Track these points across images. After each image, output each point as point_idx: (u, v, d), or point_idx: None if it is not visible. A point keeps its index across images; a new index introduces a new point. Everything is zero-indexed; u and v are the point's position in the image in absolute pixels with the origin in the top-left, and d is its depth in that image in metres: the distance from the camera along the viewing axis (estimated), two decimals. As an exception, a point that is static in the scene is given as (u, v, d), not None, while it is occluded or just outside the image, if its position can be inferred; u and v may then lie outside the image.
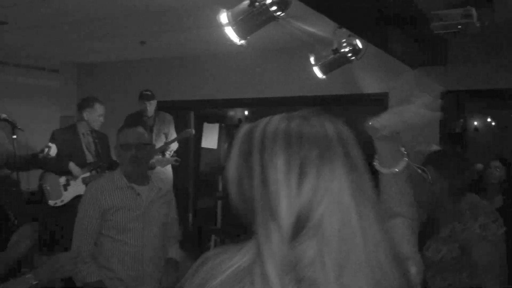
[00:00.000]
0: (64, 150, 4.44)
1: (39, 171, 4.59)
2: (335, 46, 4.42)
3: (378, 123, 1.29)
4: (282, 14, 2.94)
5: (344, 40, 4.41)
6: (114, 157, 4.05)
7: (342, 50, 4.42)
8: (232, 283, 0.83)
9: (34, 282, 1.95)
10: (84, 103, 4.72)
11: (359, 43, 4.41)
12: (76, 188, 4.41)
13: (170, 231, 2.96)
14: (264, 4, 2.89)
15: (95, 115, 4.68)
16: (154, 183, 2.86)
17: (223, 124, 8.83)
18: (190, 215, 6.99)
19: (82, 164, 4.54)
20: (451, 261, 2.22)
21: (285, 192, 0.85)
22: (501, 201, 4.49)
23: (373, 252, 0.85)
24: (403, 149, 1.34)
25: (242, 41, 3.02)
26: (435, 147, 2.58)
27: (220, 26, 2.97)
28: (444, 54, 5.00)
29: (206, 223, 6.72)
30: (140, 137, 2.78)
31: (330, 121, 0.93)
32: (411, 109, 1.31)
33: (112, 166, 4.41)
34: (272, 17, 2.96)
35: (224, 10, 2.98)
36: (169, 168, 5.40)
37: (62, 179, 4.49)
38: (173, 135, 5.49)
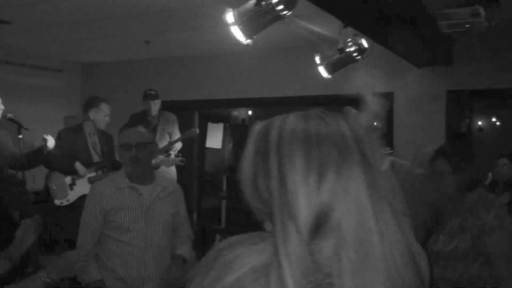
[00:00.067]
0: (70, 150, 4.44)
1: (45, 171, 4.60)
2: (340, 45, 4.40)
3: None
4: (288, 13, 2.92)
5: (349, 39, 4.39)
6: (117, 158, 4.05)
7: (348, 49, 4.40)
8: (249, 282, 0.82)
9: (48, 280, 1.98)
10: (90, 103, 4.72)
11: (364, 43, 4.39)
12: (82, 187, 4.41)
13: (181, 230, 2.92)
14: (271, 3, 2.88)
15: (101, 115, 4.69)
16: (158, 182, 2.82)
17: (227, 124, 8.83)
18: (195, 215, 6.98)
19: (88, 164, 4.55)
20: (463, 251, 2.26)
21: (304, 192, 0.84)
22: (508, 197, 4.50)
23: (389, 252, 0.85)
24: (388, 148, 1.37)
25: (248, 41, 3.01)
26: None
27: (226, 25, 2.96)
28: (450, 54, 4.98)
29: (210, 223, 6.73)
30: (140, 137, 2.75)
31: (344, 120, 0.92)
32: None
33: (116, 166, 4.41)
34: (279, 16, 2.94)
35: (230, 9, 2.96)
36: (173, 168, 5.39)
37: (68, 179, 4.50)
38: (177, 134, 5.48)
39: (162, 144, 5.24)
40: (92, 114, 4.67)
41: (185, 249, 2.88)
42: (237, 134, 9.05)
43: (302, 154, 0.86)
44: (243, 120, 9.38)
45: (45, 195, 4.55)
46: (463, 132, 5.55)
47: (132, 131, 2.80)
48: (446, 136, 5.14)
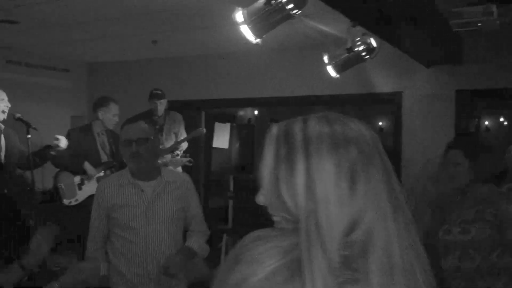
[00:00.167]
0: (79, 150, 4.44)
1: (54, 171, 4.60)
2: (349, 45, 4.36)
3: None
4: (298, 12, 2.90)
5: (358, 38, 4.36)
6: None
7: (356, 48, 4.37)
8: (275, 284, 0.79)
9: None
10: (99, 103, 4.73)
11: (373, 42, 4.36)
12: (90, 187, 4.40)
13: (194, 224, 2.86)
14: (281, 2, 2.85)
15: (110, 115, 4.70)
16: (164, 178, 2.75)
17: (234, 124, 8.82)
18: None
19: (97, 164, 4.56)
20: (481, 241, 2.27)
21: (335, 197, 0.82)
22: None
23: (406, 256, 0.84)
24: None
25: (258, 40, 2.98)
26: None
27: (235, 24, 2.93)
28: (460, 53, 4.94)
29: (217, 223, 6.71)
30: (141, 132, 2.69)
31: (362, 124, 0.92)
32: None
33: (124, 165, 4.40)
34: (288, 16, 2.91)
35: (240, 8, 2.94)
36: (179, 169, 5.38)
37: (77, 179, 4.51)
38: (183, 134, 5.46)
39: (168, 144, 5.23)
40: (101, 114, 4.68)
41: (193, 241, 2.82)
42: (244, 134, 9.04)
43: (332, 158, 0.84)
44: (249, 120, 9.37)
45: (52, 195, 4.56)
46: (471, 132, 5.51)
47: (132, 126, 2.76)
48: (456, 136, 5.11)
